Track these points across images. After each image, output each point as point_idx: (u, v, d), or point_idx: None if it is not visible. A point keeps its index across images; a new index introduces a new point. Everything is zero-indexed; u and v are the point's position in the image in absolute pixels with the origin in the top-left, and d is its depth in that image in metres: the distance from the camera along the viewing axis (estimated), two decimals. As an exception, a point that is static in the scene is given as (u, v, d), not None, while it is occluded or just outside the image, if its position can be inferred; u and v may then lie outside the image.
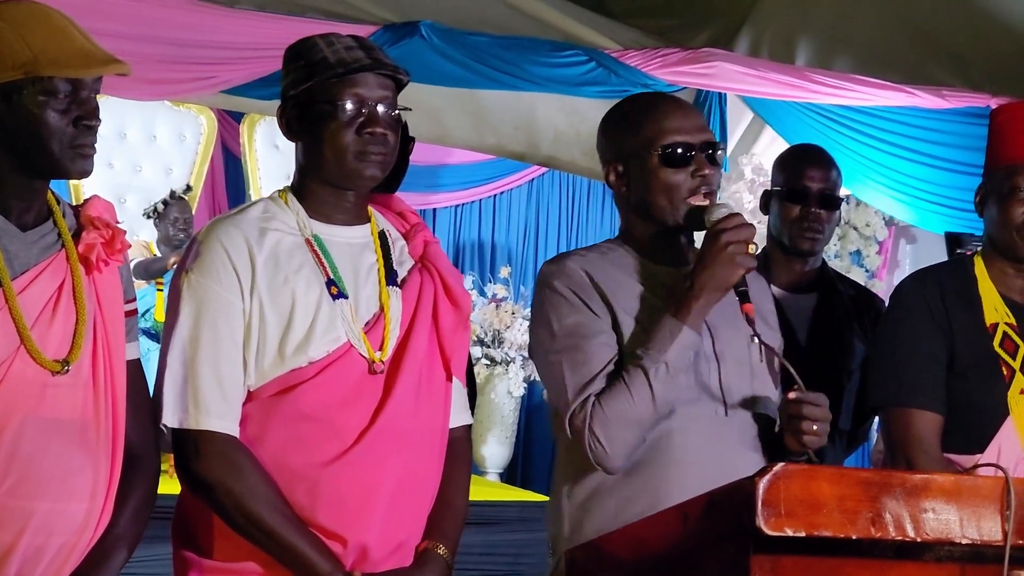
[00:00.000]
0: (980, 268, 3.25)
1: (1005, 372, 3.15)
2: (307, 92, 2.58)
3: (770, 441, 2.79)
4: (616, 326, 2.73)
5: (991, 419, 3.13)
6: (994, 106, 6.10)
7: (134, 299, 2.56)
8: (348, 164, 2.58)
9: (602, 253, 2.84)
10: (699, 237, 2.76)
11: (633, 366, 2.66)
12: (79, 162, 2.36)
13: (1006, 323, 3.18)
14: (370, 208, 2.72)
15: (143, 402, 2.52)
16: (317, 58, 2.57)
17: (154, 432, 2.53)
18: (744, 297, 2.67)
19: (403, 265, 2.70)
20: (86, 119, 2.34)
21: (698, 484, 2.57)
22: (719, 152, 2.78)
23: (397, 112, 2.62)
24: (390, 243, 2.71)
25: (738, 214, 2.70)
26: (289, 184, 2.70)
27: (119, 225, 2.49)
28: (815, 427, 2.64)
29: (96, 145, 2.39)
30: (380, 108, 2.59)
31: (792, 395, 2.65)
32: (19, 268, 2.34)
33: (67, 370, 2.34)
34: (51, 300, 2.36)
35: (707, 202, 2.74)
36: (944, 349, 3.16)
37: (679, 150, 2.73)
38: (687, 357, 2.67)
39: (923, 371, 3.16)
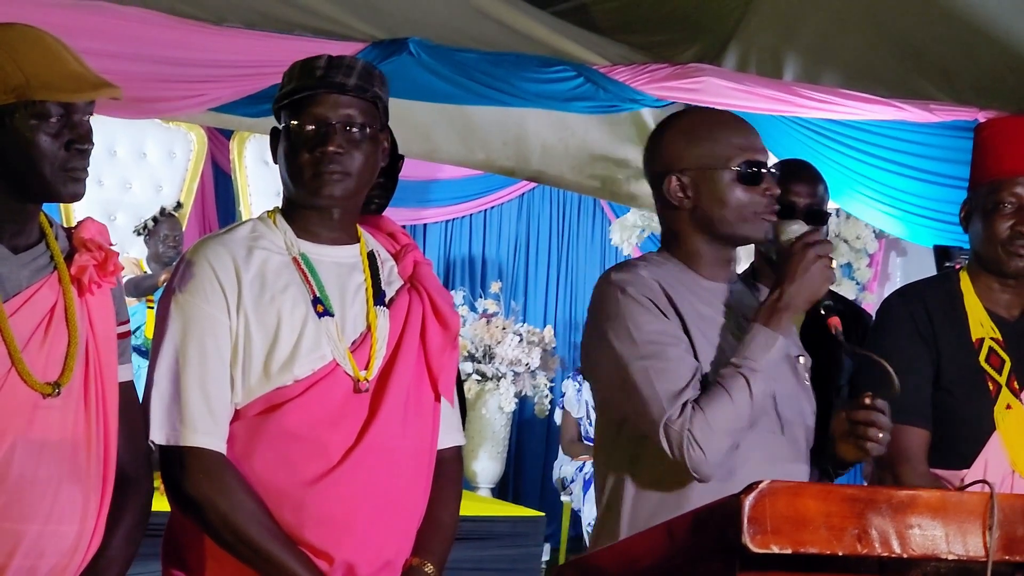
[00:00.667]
0: (966, 283, 3.26)
1: (991, 387, 3.15)
2: (282, 110, 2.61)
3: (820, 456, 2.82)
4: (688, 337, 2.74)
5: (977, 434, 3.13)
6: (982, 119, 6.11)
7: (127, 320, 2.56)
8: (307, 184, 2.60)
9: (659, 265, 2.83)
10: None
11: (732, 372, 2.66)
12: (71, 185, 2.36)
13: (991, 338, 3.18)
14: (360, 229, 2.73)
15: (136, 423, 2.52)
16: (284, 82, 2.60)
17: (147, 453, 2.53)
18: (830, 311, 2.72)
19: (392, 285, 2.71)
20: (78, 143, 2.34)
21: None
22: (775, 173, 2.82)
23: (366, 129, 2.61)
24: (379, 263, 2.71)
25: (817, 230, 2.78)
26: (278, 204, 2.71)
27: (112, 247, 2.49)
28: (880, 435, 2.65)
29: (88, 159, 2.39)
30: (341, 127, 2.59)
31: (868, 400, 2.67)
32: (11, 290, 2.34)
33: (58, 393, 2.34)
34: (43, 322, 2.36)
35: (774, 218, 2.79)
36: (930, 365, 3.17)
37: (754, 169, 2.76)
38: (777, 367, 2.70)
39: (910, 387, 3.16)
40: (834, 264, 2.74)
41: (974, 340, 3.18)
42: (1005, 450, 3.11)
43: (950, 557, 1.81)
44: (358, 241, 2.71)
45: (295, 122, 2.59)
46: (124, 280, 7.13)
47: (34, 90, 2.29)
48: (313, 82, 2.58)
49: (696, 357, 2.71)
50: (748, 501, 1.72)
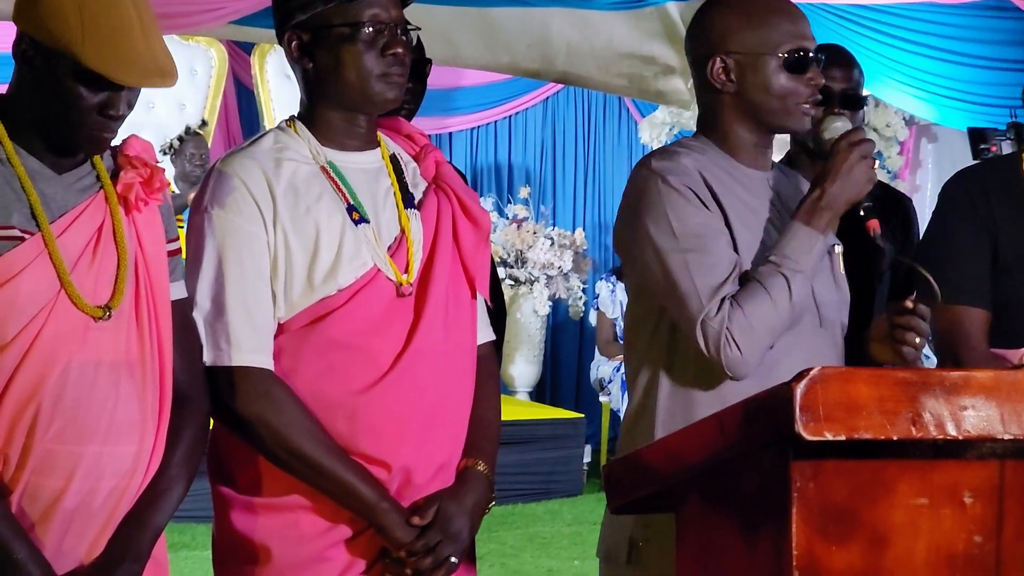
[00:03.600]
0: None
1: None
2: (321, 15, 2.55)
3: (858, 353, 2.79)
4: (728, 229, 2.68)
5: None
6: (1014, -1, 6.02)
7: (176, 238, 2.51)
8: (371, 87, 2.55)
9: (701, 152, 2.75)
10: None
11: (771, 271, 2.60)
12: (91, 145, 2.32)
13: None
14: (378, 133, 2.69)
15: (191, 342, 2.49)
16: None
17: (203, 371, 2.50)
18: (870, 212, 2.66)
19: (417, 187, 2.68)
20: (111, 108, 2.27)
21: None
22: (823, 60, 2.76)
23: (409, 32, 2.59)
24: (402, 166, 2.69)
25: (861, 128, 2.70)
26: (295, 113, 2.67)
27: (158, 163, 2.45)
28: (918, 340, 2.62)
29: (122, 122, 2.32)
30: (397, 29, 2.56)
31: (909, 303, 2.63)
32: (57, 211, 2.31)
33: (109, 316, 2.31)
34: (91, 242, 2.32)
35: (815, 110, 2.73)
36: (988, 245, 3.12)
37: (804, 55, 2.70)
38: (817, 267, 2.65)
39: (967, 268, 3.13)
40: (876, 164, 2.68)
41: None
42: None
43: (1006, 437, 1.78)
44: (379, 145, 2.67)
45: (352, 24, 2.53)
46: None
47: (86, 54, 2.21)
48: None
49: (736, 249, 2.66)
50: (799, 389, 1.70)
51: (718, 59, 2.72)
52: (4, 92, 2.35)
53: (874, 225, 2.65)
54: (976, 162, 3.35)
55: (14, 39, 2.30)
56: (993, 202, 3.14)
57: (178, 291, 2.47)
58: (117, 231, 2.35)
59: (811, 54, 2.70)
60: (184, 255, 2.56)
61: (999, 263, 3.12)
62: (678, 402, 2.70)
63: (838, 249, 2.74)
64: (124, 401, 2.33)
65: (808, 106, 2.71)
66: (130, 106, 2.31)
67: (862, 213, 2.66)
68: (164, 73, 2.28)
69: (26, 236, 2.26)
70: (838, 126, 2.69)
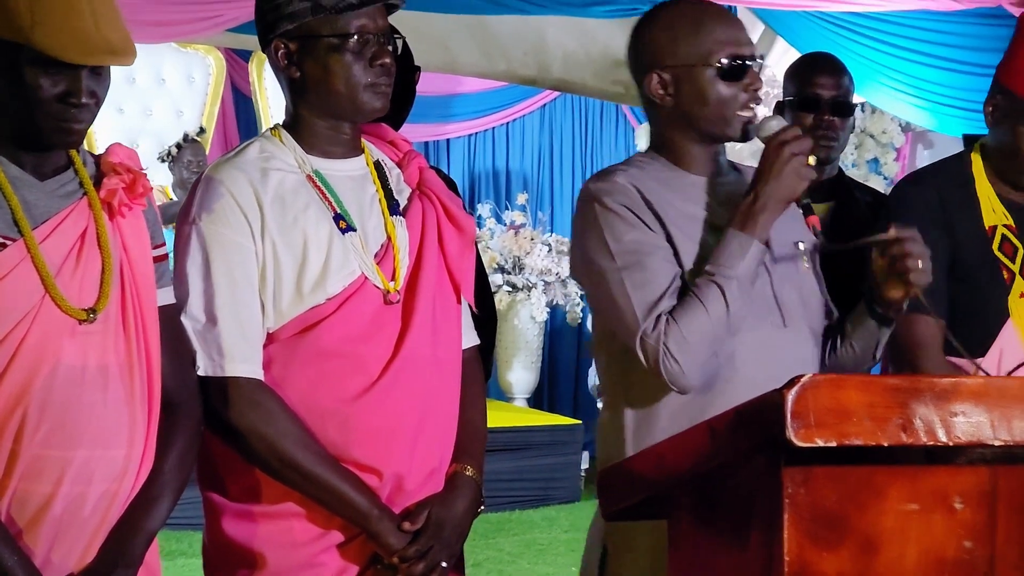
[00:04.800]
0: (978, 166, 3.18)
1: (1005, 275, 3.10)
2: (309, 25, 2.55)
3: (834, 334, 2.79)
4: (670, 241, 2.69)
5: (992, 323, 3.08)
6: (1006, 6, 6.03)
7: (163, 243, 2.51)
8: (359, 97, 2.56)
9: (640, 168, 2.78)
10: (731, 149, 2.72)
11: (705, 282, 2.61)
12: (59, 136, 2.30)
13: (1004, 225, 3.12)
14: (362, 139, 2.71)
15: (180, 348, 2.49)
16: None
17: (194, 378, 2.51)
18: (808, 209, 2.65)
19: (402, 194, 2.70)
20: (73, 96, 2.27)
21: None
22: (763, 64, 2.76)
23: (394, 41, 2.60)
24: (386, 172, 2.70)
25: (795, 126, 2.68)
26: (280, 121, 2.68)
27: (142, 170, 2.46)
28: (920, 263, 2.60)
29: (91, 112, 2.32)
30: (384, 39, 2.57)
31: (893, 232, 2.61)
32: (39, 217, 2.31)
33: (94, 318, 2.32)
34: (74, 247, 2.33)
35: (751, 114, 2.71)
36: (945, 253, 3.10)
37: (739, 62, 2.69)
38: (755, 272, 2.64)
39: None
40: (811, 160, 2.63)
41: (987, 227, 3.13)
42: (1020, 338, 3.07)
43: (996, 443, 1.79)
44: (363, 152, 2.69)
45: (341, 35, 2.54)
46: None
47: (35, 39, 2.22)
48: None
49: (679, 259, 2.68)
50: (790, 395, 1.70)
51: (655, 75, 2.73)
52: None
53: (813, 221, 2.64)
54: (927, 166, 3.32)
55: None
56: (948, 209, 3.13)
57: (165, 297, 2.48)
58: (101, 236, 2.35)
59: (747, 60, 2.69)
60: (172, 263, 2.57)
61: (954, 272, 3.12)
62: (643, 414, 2.72)
63: (802, 247, 2.72)
64: (112, 405, 2.33)
65: (745, 112, 2.70)
66: (95, 96, 2.30)
67: (802, 211, 2.65)
68: (115, 51, 2.27)
69: (8, 243, 2.26)
70: (772, 125, 2.67)
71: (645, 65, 2.75)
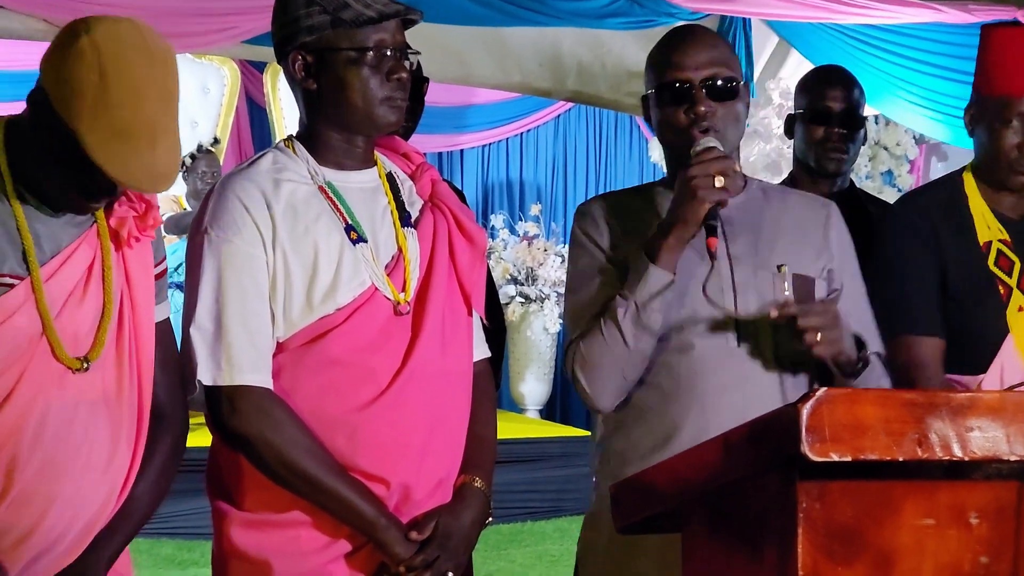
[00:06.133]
0: (970, 185, 3.20)
1: (1002, 291, 3.09)
2: (327, 38, 2.55)
3: (816, 368, 2.75)
4: (624, 263, 2.72)
5: (991, 339, 3.08)
6: (1021, 18, 6.02)
7: (163, 259, 2.52)
8: (375, 111, 2.57)
9: (638, 192, 2.86)
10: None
11: (609, 307, 2.68)
12: (76, 210, 2.32)
13: (999, 240, 3.12)
14: (375, 151, 2.71)
15: (171, 360, 2.50)
16: (336, 3, 2.54)
17: (181, 389, 2.52)
18: (711, 231, 2.62)
19: (414, 206, 2.71)
20: (96, 196, 2.29)
21: (710, 416, 2.60)
22: (732, 84, 2.72)
23: (411, 56, 2.61)
24: (399, 184, 2.71)
25: (713, 148, 2.65)
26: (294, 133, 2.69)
27: (154, 200, 2.43)
28: (817, 336, 2.58)
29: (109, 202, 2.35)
30: (400, 53, 2.57)
31: (773, 312, 2.59)
32: (50, 251, 2.30)
33: (87, 368, 2.31)
34: (80, 283, 2.32)
35: (703, 137, 2.69)
36: (936, 272, 3.10)
37: (675, 86, 2.71)
38: (663, 295, 2.64)
39: (917, 297, 3.12)
40: (719, 182, 2.59)
41: (981, 244, 3.12)
42: (1019, 353, 3.06)
43: (1012, 458, 1.78)
44: (375, 164, 2.69)
45: (359, 49, 2.54)
46: (164, 218, 7.17)
47: (88, 141, 2.16)
48: (378, 8, 2.54)
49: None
50: (805, 410, 1.70)
51: (643, 102, 2.83)
52: (16, 116, 2.34)
53: (710, 243, 2.63)
54: (919, 187, 3.34)
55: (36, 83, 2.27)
56: (941, 231, 3.13)
57: (162, 312, 2.48)
58: (106, 270, 2.35)
59: (687, 83, 2.70)
60: (184, 273, 2.58)
61: (949, 290, 3.11)
62: (609, 425, 2.80)
63: (784, 269, 2.69)
64: (101, 437, 2.34)
65: (693, 133, 2.70)
66: (119, 193, 2.31)
67: (705, 231, 2.64)
68: (158, 180, 2.25)
69: (16, 282, 2.25)
70: (699, 146, 2.67)
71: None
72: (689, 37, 2.80)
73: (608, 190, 11.28)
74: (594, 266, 2.76)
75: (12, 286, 2.25)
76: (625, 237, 2.76)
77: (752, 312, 2.70)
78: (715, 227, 2.63)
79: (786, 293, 2.64)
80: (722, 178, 2.60)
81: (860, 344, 2.73)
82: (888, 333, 3.03)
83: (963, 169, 3.27)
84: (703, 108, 2.70)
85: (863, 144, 3.98)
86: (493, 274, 3.77)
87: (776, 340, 2.71)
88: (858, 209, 3.83)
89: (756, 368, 2.71)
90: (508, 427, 6.40)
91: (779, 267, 2.68)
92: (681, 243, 2.64)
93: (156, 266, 2.47)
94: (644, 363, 2.69)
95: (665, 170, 2.89)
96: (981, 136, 3.17)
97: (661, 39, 2.85)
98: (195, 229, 2.59)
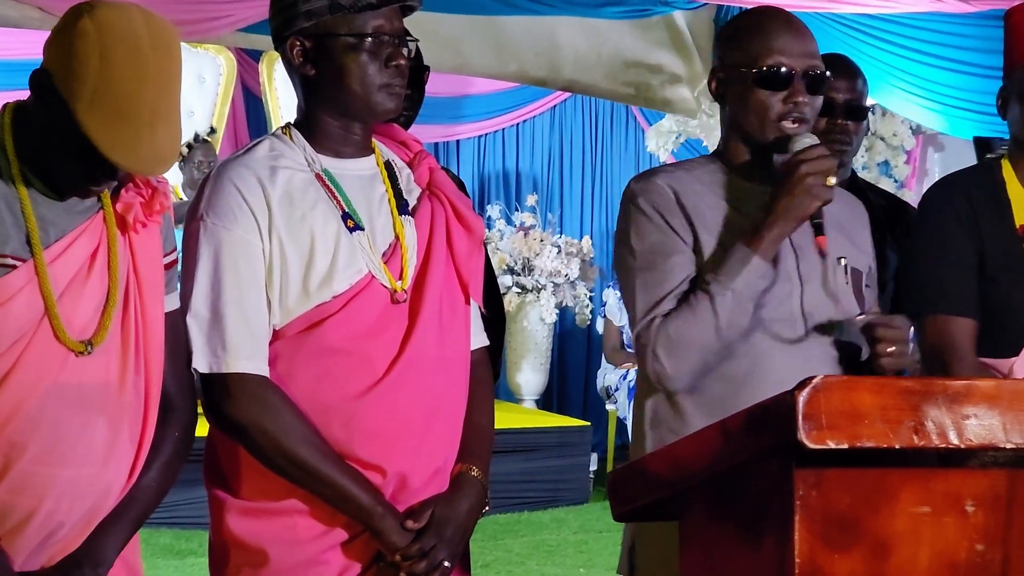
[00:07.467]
0: (1008, 170, 3.21)
1: None
2: (326, 24, 2.55)
3: (858, 366, 2.79)
4: (698, 245, 2.74)
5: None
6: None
7: (174, 249, 2.51)
8: (373, 97, 2.57)
9: (688, 170, 2.84)
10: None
11: (701, 290, 2.67)
12: (79, 194, 2.31)
13: None
14: (373, 139, 2.71)
15: (181, 351, 2.49)
16: None
17: (190, 380, 2.51)
18: (819, 229, 2.67)
19: (411, 194, 2.70)
20: (98, 180, 2.27)
21: None
22: (825, 78, 2.76)
23: (410, 43, 2.61)
24: (396, 172, 2.70)
25: (820, 145, 2.69)
26: (291, 120, 2.69)
27: (159, 182, 2.42)
28: (890, 349, 2.63)
29: (111, 186, 2.34)
30: (399, 40, 2.57)
31: (859, 318, 2.67)
32: (55, 235, 2.29)
33: (90, 351, 2.30)
34: (83, 268, 2.31)
35: (796, 128, 2.72)
36: (973, 253, 3.12)
37: (778, 71, 2.72)
38: (757, 286, 2.67)
39: (953, 277, 3.13)
40: (830, 181, 2.66)
41: (1019, 226, 3.14)
42: None
43: (1008, 446, 1.78)
44: (373, 152, 2.69)
45: (357, 35, 2.54)
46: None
47: (87, 122, 2.16)
48: None
49: (703, 263, 2.72)
50: (802, 397, 1.70)
51: (713, 76, 2.82)
52: (24, 101, 2.33)
53: (820, 242, 2.67)
54: (958, 170, 3.34)
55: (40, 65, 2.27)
56: (977, 210, 3.14)
57: (172, 303, 2.48)
58: (111, 256, 2.34)
59: (791, 71, 2.71)
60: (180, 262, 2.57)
61: (985, 272, 3.12)
62: (667, 412, 2.77)
63: (844, 262, 2.74)
64: (103, 424, 2.33)
65: (786, 123, 2.72)
66: (118, 177, 2.30)
67: (812, 230, 2.67)
68: (158, 162, 2.24)
69: (18, 264, 2.25)
70: (804, 141, 2.70)
71: (712, 66, 2.83)
72: (793, 24, 2.81)
73: (604, 180, 11.26)
74: (668, 243, 2.73)
75: (14, 267, 2.25)
76: (693, 218, 2.75)
77: (818, 307, 2.74)
78: (822, 224, 2.67)
79: (867, 305, 2.76)
80: (833, 178, 2.65)
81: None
82: (922, 312, 3.06)
83: (1001, 156, 3.27)
84: (802, 99, 2.72)
85: (865, 135, 3.97)
86: (490, 263, 3.77)
87: (837, 338, 2.76)
88: (860, 199, 3.82)
89: (823, 361, 2.74)
90: (505, 417, 6.41)
91: (839, 259, 2.73)
92: (783, 237, 2.68)
93: (166, 256, 2.46)
94: (725, 350, 2.70)
95: (707, 150, 2.89)
96: (1014, 111, 3.17)
97: (747, 18, 2.84)
98: (191, 216, 2.59)
